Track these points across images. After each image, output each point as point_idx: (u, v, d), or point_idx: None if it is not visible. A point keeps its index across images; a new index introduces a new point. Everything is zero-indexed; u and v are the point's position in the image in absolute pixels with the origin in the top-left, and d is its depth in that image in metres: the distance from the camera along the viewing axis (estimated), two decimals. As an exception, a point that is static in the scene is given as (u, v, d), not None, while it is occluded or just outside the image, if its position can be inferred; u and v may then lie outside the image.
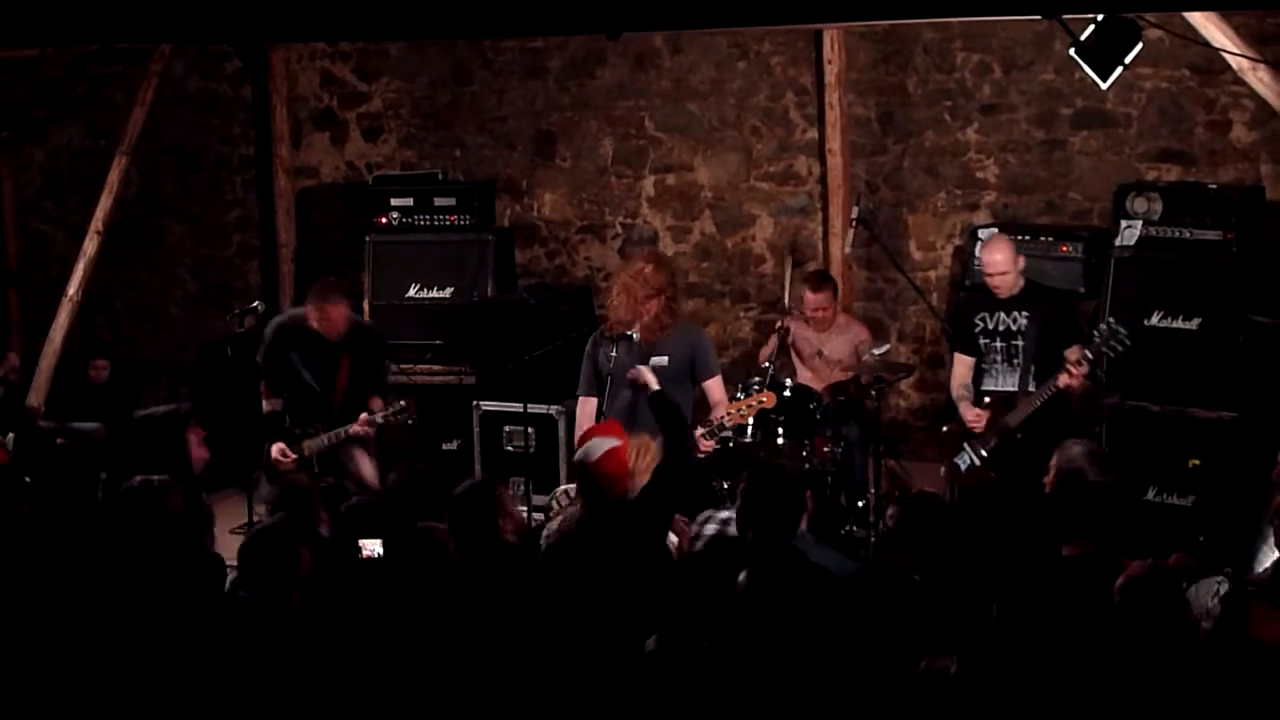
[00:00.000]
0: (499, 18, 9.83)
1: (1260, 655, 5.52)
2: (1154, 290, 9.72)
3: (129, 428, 8.64)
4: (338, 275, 12.42)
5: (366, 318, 11.70)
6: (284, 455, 9.59)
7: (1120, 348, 8.69)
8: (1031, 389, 8.96)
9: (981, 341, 9.24)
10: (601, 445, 7.22)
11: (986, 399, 9.17)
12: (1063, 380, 8.71)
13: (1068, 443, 8.09)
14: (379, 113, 12.82)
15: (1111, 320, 8.79)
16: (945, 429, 9.45)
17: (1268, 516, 7.37)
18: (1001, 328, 9.18)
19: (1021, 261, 9.19)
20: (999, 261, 9.13)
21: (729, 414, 8.49)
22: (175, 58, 12.50)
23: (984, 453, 9.02)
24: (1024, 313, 9.11)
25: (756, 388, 9.47)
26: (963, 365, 9.37)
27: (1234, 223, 9.54)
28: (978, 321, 9.26)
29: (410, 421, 9.74)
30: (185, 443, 8.05)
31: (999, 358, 9.22)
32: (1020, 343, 9.12)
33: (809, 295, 10.54)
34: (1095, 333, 8.76)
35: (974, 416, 9.09)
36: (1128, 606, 5.49)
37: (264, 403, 9.93)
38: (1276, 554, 7.09)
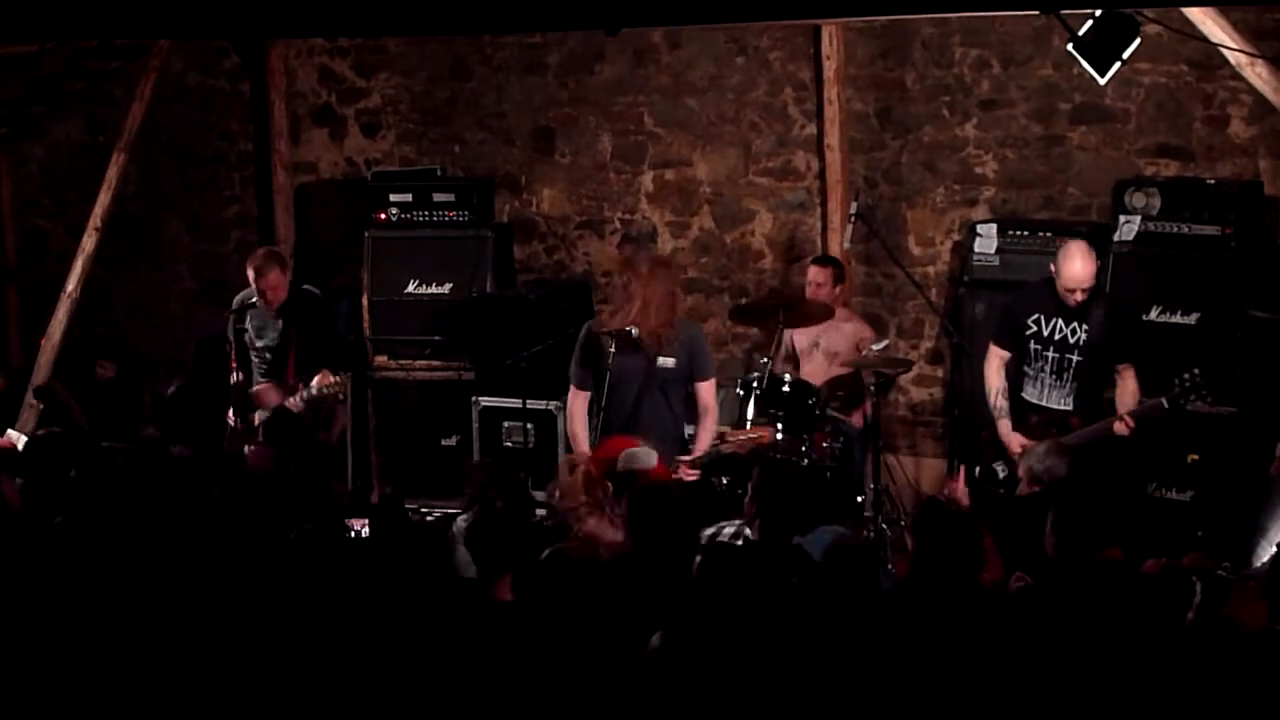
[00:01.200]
0: (498, 14, 9.84)
1: (1237, 638, 5.54)
2: (1152, 285, 9.74)
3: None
4: (337, 271, 12.49)
5: (365, 314, 11.73)
6: (233, 422, 9.92)
7: (1199, 400, 8.48)
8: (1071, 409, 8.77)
9: (1032, 346, 8.99)
10: (647, 456, 7.34)
11: (1034, 416, 8.94)
12: (1118, 428, 8.56)
13: (1036, 445, 8.10)
14: (378, 108, 12.82)
15: (1196, 372, 8.50)
16: (984, 434, 9.26)
17: (1269, 510, 7.41)
18: (1058, 336, 8.92)
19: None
20: (1081, 276, 8.80)
21: (728, 445, 8.51)
22: (174, 54, 12.48)
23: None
24: (1084, 325, 8.86)
25: (753, 409, 9.45)
26: (999, 359, 9.12)
27: (1232, 218, 9.56)
28: (1031, 324, 9.00)
29: (341, 399, 9.79)
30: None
31: (1047, 367, 8.96)
32: (1075, 358, 8.88)
33: (811, 268, 10.59)
34: (1176, 382, 8.55)
35: (1020, 447, 8.76)
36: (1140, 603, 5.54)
37: (231, 375, 10.13)
38: (1275, 548, 7.11)
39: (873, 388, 10.17)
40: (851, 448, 10.15)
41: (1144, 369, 8.93)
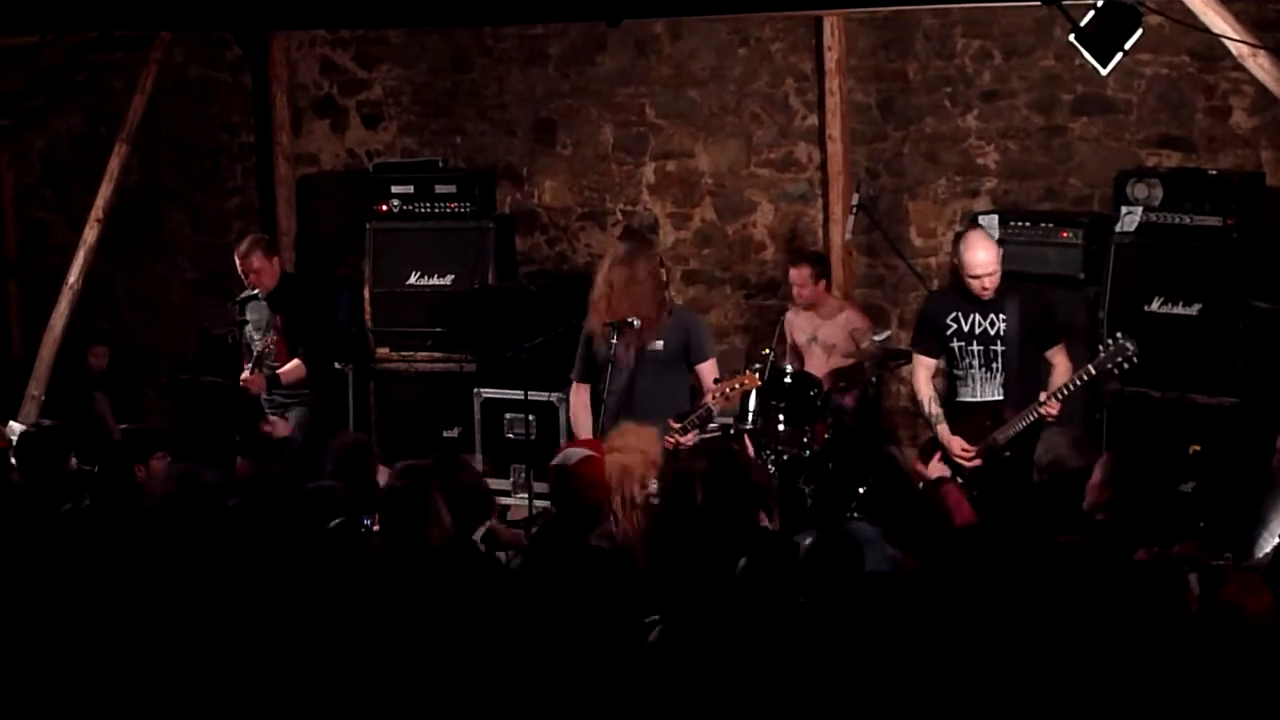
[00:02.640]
0: (499, 5, 9.88)
1: (1241, 626, 5.55)
2: (1154, 276, 9.74)
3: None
4: (338, 263, 12.48)
5: (367, 305, 11.74)
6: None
7: (1127, 365, 8.27)
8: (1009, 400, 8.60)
9: (955, 345, 8.72)
10: (578, 453, 7.33)
11: (969, 413, 8.72)
12: (1045, 411, 8.35)
13: (1047, 434, 8.06)
14: (379, 100, 12.81)
15: (1119, 336, 8.35)
16: (927, 441, 9.07)
17: (1271, 502, 7.40)
18: (978, 331, 8.65)
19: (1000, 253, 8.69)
20: (986, 261, 8.55)
21: (714, 398, 8.49)
22: (175, 45, 12.49)
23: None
24: (1001, 315, 8.61)
25: (755, 402, 9.43)
26: (925, 369, 8.90)
27: (1234, 209, 9.56)
28: (950, 323, 8.72)
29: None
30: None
31: (976, 363, 8.68)
32: (1000, 348, 8.62)
33: (790, 271, 10.61)
34: (1101, 348, 8.46)
35: (961, 450, 8.57)
36: (1130, 591, 5.54)
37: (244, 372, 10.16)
38: (1277, 539, 7.12)
39: (874, 379, 10.18)
40: (853, 439, 10.15)
41: (1144, 360, 8.79)
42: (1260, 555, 7.52)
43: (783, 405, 9.61)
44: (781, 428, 9.64)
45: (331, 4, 9.96)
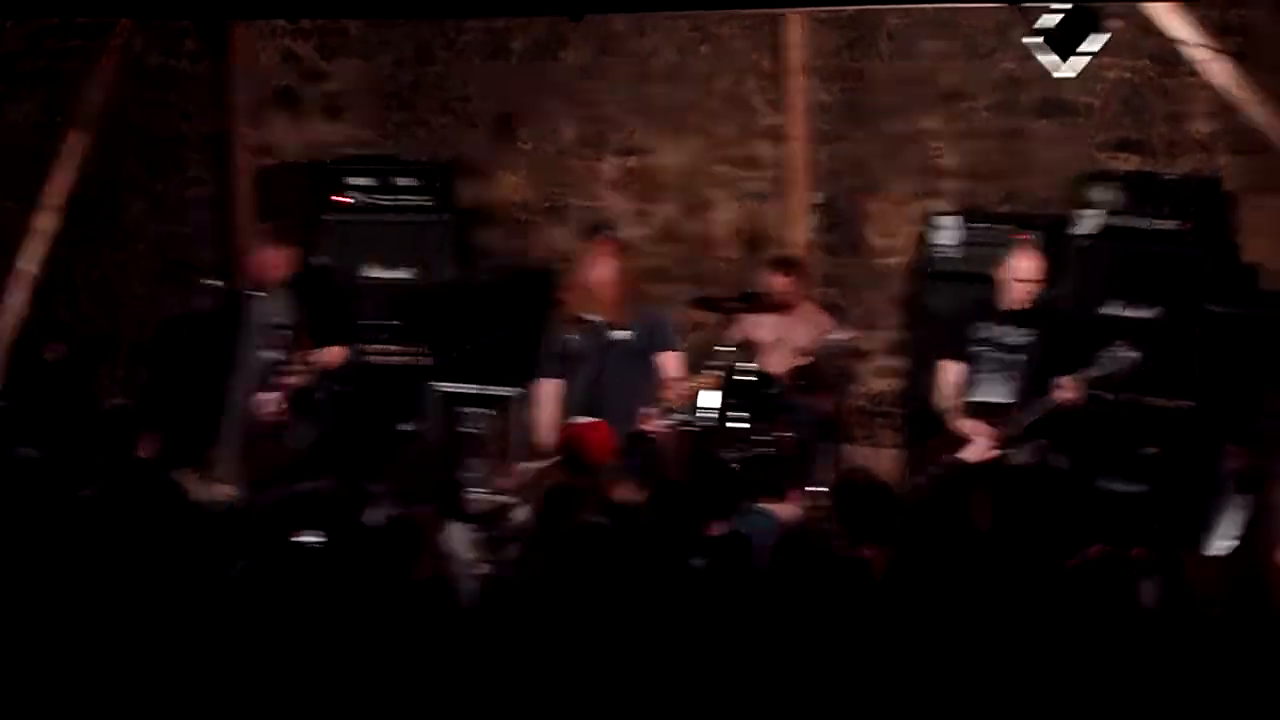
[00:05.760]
0: (462, -1, 9.85)
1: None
2: (1112, 279, 9.79)
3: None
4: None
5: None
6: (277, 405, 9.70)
7: (1126, 371, 8.49)
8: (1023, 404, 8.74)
9: (977, 349, 8.99)
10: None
11: (977, 412, 8.90)
12: (1058, 396, 8.51)
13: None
14: (340, 91, 12.76)
15: (1119, 345, 8.54)
16: (926, 445, 9.23)
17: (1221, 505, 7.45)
18: (1003, 340, 8.93)
19: None
20: (1031, 269, 8.90)
21: (673, 399, 8.50)
22: (135, 34, 12.42)
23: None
24: (1027, 329, 8.89)
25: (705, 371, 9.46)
26: (951, 374, 9.06)
27: (1192, 213, 9.63)
28: (977, 331, 9.02)
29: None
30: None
31: (994, 368, 8.93)
32: (1020, 358, 8.86)
33: (772, 276, 10.60)
34: (1105, 356, 8.56)
35: (972, 427, 8.80)
36: (1076, 587, 5.59)
37: None
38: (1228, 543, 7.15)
39: (837, 378, 10.19)
40: (813, 437, 10.16)
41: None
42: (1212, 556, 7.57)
43: (743, 404, 9.60)
44: (741, 426, 9.64)
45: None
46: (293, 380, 9.58)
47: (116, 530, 6.64)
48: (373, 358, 11.54)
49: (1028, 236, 10.02)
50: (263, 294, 9.88)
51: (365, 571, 6.07)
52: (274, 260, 9.88)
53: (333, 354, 9.81)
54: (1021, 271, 8.91)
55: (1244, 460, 8.06)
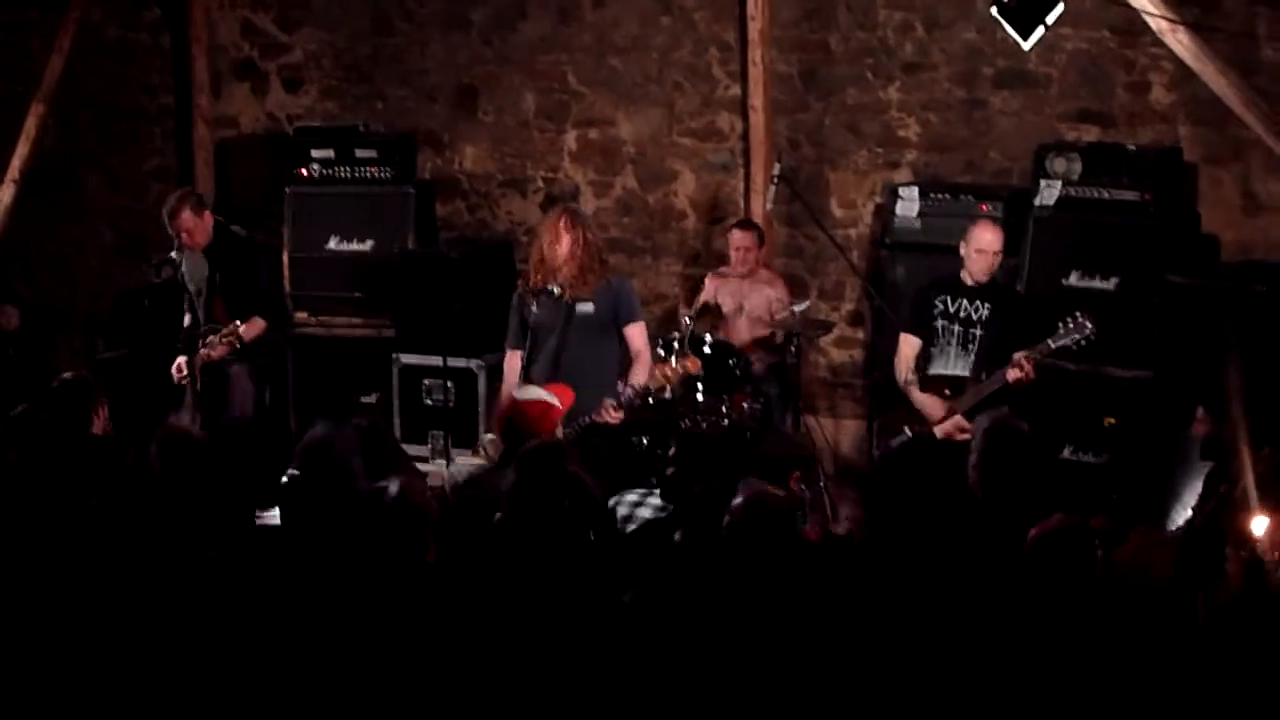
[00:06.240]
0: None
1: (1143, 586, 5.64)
2: (1072, 250, 9.81)
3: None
4: (258, 226, 12.34)
5: (286, 270, 11.62)
6: (179, 370, 9.60)
7: (1085, 342, 8.55)
8: (982, 378, 8.80)
9: (938, 324, 9.06)
10: (537, 393, 7.41)
11: (931, 383, 8.98)
12: (1011, 375, 8.55)
13: (979, 418, 8.13)
14: (300, 64, 12.72)
15: (1079, 315, 8.57)
16: (887, 415, 9.28)
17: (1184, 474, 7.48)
18: (962, 314, 9.01)
19: None
20: (992, 240, 9.00)
21: (654, 380, 8.46)
22: (93, 5, 12.38)
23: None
24: (987, 305, 8.97)
25: (678, 348, 9.46)
26: (910, 347, 9.15)
27: (1152, 183, 9.65)
28: (937, 304, 9.07)
29: (238, 345, 9.61)
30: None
31: (953, 340, 9.02)
32: (978, 332, 8.96)
33: (735, 233, 10.64)
34: (1060, 324, 8.60)
35: (932, 405, 8.86)
36: (1039, 556, 5.62)
37: (184, 317, 9.96)
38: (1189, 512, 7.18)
39: (794, 349, 10.20)
40: (771, 409, 10.19)
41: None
42: (1173, 528, 7.60)
43: (701, 375, 9.61)
44: (700, 397, 9.65)
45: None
46: (210, 350, 9.55)
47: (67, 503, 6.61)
48: (336, 329, 11.53)
49: (987, 208, 10.08)
50: (179, 259, 9.88)
51: (372, 554, 5.98)
52: (194, 226, 9.85)
53: (251, 326, 9.76)
54: (982, 243, 8.98)
55: (1209, 427, 8.07)
